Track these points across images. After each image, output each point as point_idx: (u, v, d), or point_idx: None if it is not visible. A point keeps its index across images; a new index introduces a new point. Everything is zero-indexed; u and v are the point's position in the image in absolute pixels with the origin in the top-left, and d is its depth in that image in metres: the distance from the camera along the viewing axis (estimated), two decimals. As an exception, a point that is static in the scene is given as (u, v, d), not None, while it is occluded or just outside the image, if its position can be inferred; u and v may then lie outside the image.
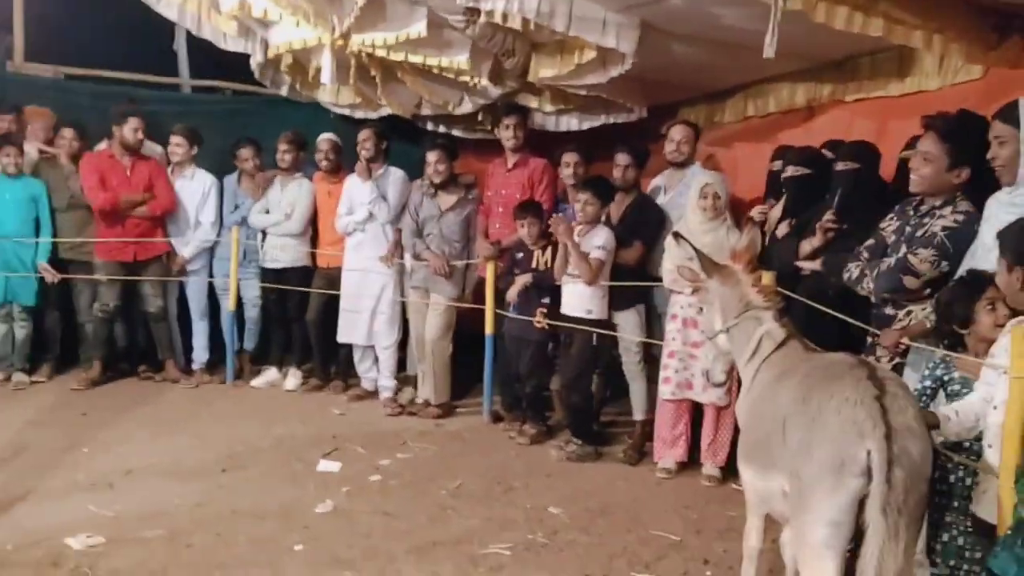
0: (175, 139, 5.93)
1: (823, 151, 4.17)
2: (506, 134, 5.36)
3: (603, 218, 4.65)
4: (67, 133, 5.84)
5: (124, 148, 5.69)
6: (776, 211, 4.24)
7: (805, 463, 2.14)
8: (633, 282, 4.57)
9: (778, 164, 4.46)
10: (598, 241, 4.50)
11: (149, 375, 5.99)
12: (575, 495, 4.04)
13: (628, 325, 4.69)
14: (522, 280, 4.90)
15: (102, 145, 5.97)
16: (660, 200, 4.83)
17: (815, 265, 3.76)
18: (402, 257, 5.59)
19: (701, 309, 3.33)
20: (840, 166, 3.78)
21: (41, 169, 5.80)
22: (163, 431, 4.76)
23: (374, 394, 5.78)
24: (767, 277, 3.18)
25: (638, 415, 4.77)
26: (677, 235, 3.14)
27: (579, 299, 4.54)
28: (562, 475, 4.36)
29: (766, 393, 2.49)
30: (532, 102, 5.74)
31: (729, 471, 4.17)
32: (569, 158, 5.11)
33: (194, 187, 5.99)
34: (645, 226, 4.70)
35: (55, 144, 5.93)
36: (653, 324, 4.77)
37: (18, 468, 4.02)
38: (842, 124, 4.58)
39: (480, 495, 3.98)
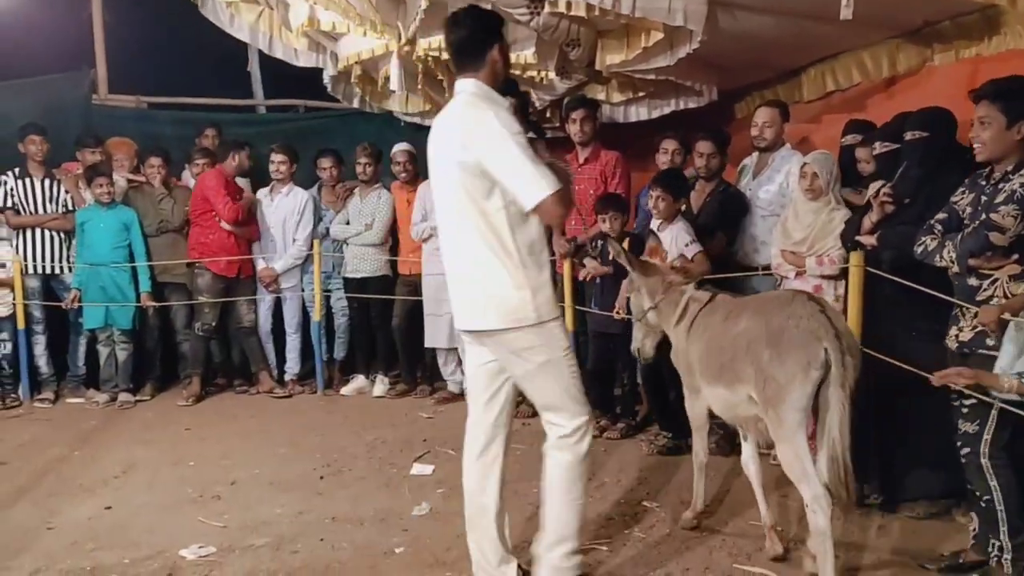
0: (278, 156, 6.07)
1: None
2: (574, 128, 5.31)
3: (682, 208, 4.57)
4: (154, 161, 6.08)
5: (238, 173, 5.96)
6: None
7: (779, 369, 2.81)
8: (717, 272, 4.47)
9: (849, 139, 4.32)
10: (685, 239, 4.36)
11: (244, 388, 6.19)
12: (668, 489, 4.00)
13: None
14: (591, 265, 4.83)
15: (186, 172, 6.20)
16: (746, 183, 4.71)
17: (872, 240, 3.63)
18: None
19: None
20: (908, 136, 3.61)
21: (130, 197, 6.06)
22: (262, 442, 4.91)
23: (460, 396, 5.83)
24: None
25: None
26: (605, 236, 3.88)
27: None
28: (654, 469, 4.32)
29: (719, 331, 3.12)
30: (599, 93, 5.70)
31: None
32: (668, 144, 4.91)
33: (290, 204, 6.14)
34: (727, 216, 4.60)
35: (142, 172, 6.18)
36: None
37: (130, 483, 4.21)
38: (931, 91, 4.38)
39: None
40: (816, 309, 2.85)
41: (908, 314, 3.49)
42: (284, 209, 6.13)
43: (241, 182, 6.22)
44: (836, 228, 3.99)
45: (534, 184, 2.52)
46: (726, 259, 4.56)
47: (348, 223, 6.10)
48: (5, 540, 3.46)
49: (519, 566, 2.90)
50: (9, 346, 5.82)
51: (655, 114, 5.80)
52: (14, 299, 5.76)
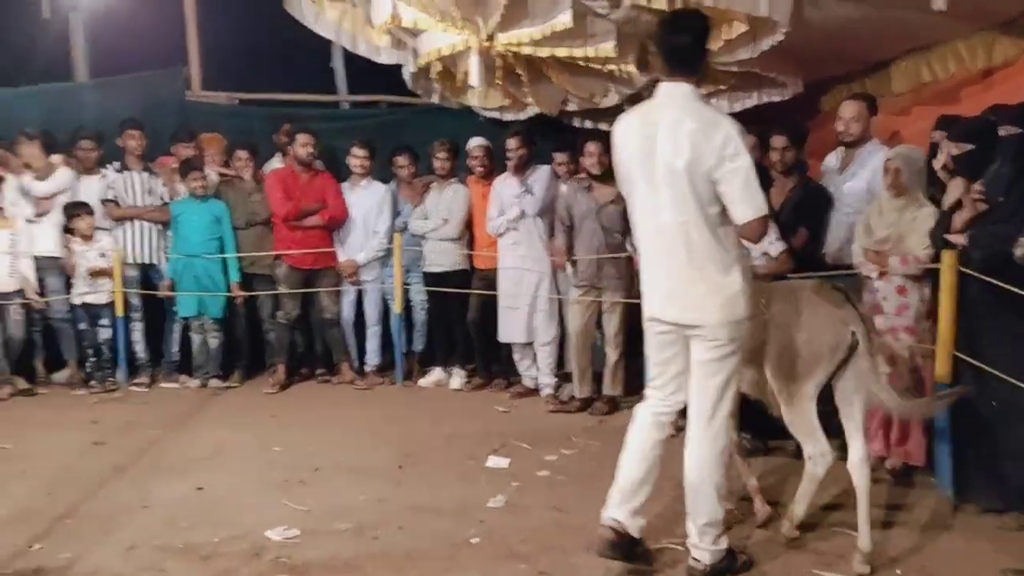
0: (358, 151, 6.20)
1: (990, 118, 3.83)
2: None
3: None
4: (242, 154, 6.30)
5: (299, 163, 6.08)
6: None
7: (807, 349, 3.11)
8: (801, 269, 4.38)
9: (937, 135, 4.16)
10: (769, 236, 4.19)
11: (326, 378, 6.37)
12: (746, 491, 3.93)
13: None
14: None
15: (273, 162, 6.40)
16: (833, 180, 4.60)
17: (961, 239, 3.50)
18: (570, 257, 5.57)
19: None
20: (1002, 132, 3.46)
21: (221, 191, 6.29)
22: (343, 430, 5.04)
23: (535, 391, 5.88)
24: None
25: None
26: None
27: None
28: (732, 470, 4.24)
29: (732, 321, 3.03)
30: (680, 87, 5.63)
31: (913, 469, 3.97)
32: (777, 142, 4.63)
33: (370, 197, 6.26)
34: (810, 211, 4.50)
35: (231, 166, 6.41)
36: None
37: (220, 466, 4.39)
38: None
39: (655, 492, 3.94)
40: (841, 297, 3.16)
41: (996, 314, 3.38)
42: (365, 203, 6.26)
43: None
44: (921, 226, 3.86)
45: (753, 203, 2.76)
46: (810, 257, 4.46)
47: (426, 218, 6.20)
48: (104, 516, 3.66)
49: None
50: (109, 331, 6.12)
51: (737, 107, 5.71)
52: (113, 287, 6.06)
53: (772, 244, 4.26)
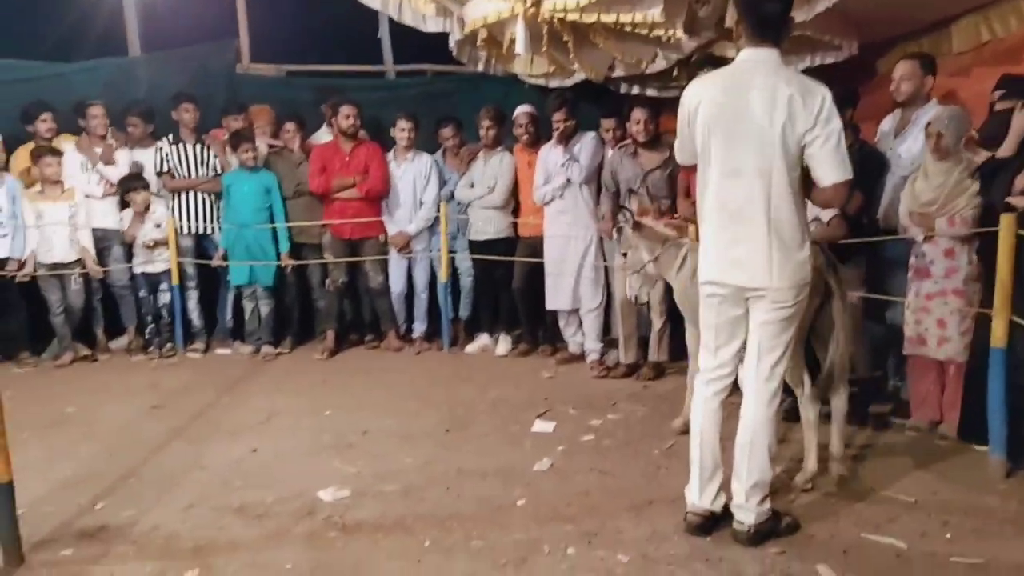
0: (403, 123, 6.22)
1: None
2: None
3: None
4: (289, 126, 6.38)
5: (343, 135, 6.14)
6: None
7: None
8: (855, 235, 4.30)
9: (997, 95, 4.03)
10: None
11: (374, 344, 6.47)
12: (793, 455, 3.91)
13: (847, 279, 4.44)
14: None
15: (321, 133, 6.46)
16: (888, 144, 4.49)
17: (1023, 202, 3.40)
18: (615, 225, 5.53)
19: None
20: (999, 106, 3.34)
21: (271, 162, 6.38)
22: (391, 395, 5.13)
23: (581, 357, 5.89)
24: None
25: (858, 372, 4.51)
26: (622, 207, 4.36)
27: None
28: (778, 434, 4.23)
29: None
30: (730, 51, 5.51)
31: (964, 432, 3.91)
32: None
33: (417, 168, 6.30)
34: (863, 175, 4.39)
35: (280, 137, 6.50)
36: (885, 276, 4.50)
37: (273, 429, 4.51)
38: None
39: (694, 455, 3.96)
40: (817, 249, 3.27)
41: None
42: (411, 174, 6.30)
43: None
44: (969, 188, 3.78)
45: (843, 166, 2.84)
46: (863, 221, 4.38)
47: (472, 186, 6.21)
48: (163, 476, 3.80)
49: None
50: (168, 296, 6.30)
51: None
52: (169, 257, 6.22)
53: (824, 210, 4.19)
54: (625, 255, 4.19)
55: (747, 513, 3.01)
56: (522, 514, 3.32)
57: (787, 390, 4.36)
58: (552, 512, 3.33)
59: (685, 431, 3.86)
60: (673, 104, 6.33)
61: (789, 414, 4.39)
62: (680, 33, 5.12)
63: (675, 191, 5.27)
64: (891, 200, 4.37)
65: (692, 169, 3.11)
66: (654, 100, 5.70)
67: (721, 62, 5.16)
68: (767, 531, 3.02)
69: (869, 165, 4.42)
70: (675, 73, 6.08)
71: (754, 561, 2.88)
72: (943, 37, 5.02)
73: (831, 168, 2.83)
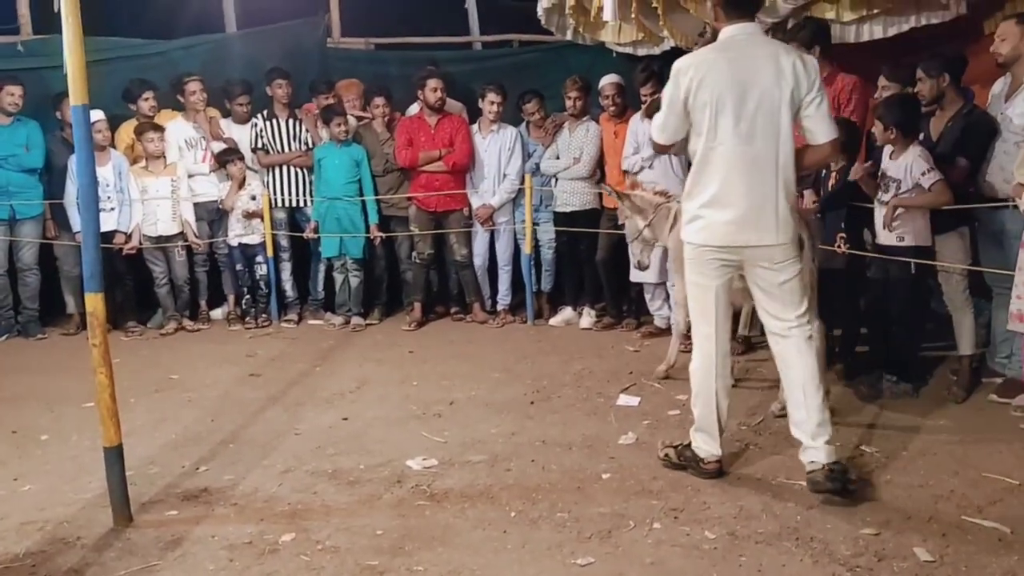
0: (492, 96, 6.18)
1: None
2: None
3: (920, 137, 4.22)
4: (379, 101, 6.44)
5: (429, 108, 6.18)
6: None
7: None
8: (960, 201, 4.09)
9: None
10: (922, 167, 4.04)
11: (460, 316, 6.55)
12: (890, 434, 3.79)
13: (949, 250, 4.24)
14: (808, 200, 4.58)
15: (413, 107, 6.52)
16: (999, 108, 4.24)
17: None
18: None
19: None
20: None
21: (360, 135, 6.48)
22: (476, 366, 5.19)
23: (666, 331, 5.81)
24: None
25: (964, 349, 4.33)
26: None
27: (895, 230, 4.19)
28: (874, 413, 4.10)
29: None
30: (828, 12, 5.27)
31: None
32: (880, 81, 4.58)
33: (502, 140, 6.29)
34: (971, 140, 4.17)
35: (369, 111, 6.58)
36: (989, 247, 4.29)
37: (363, 398, 4.64)
38: None
39: (784, 432, 3.82)
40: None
41: None
42: (496, 145, 6.30)
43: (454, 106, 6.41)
44: None
45: (834, 125, 3.19)
46: (969, 190, 4.16)
47: (558, 157, 6.17)
48: (261, 442, 3.96)
49: None
50: (265, 268, 6.51)
51: (891, 31, 5.27)
52: (264, 229, 6.43)
53: (925, 175, 4.02)
54: (622, 225, 4.50)
55: (818, 452, 3.13)
56: (607, 487, 3.33)
57: (897, 370, 4.27)
58: (638, 486, 3.32)
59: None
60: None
61: (893, 394, 4.28)
62: (775, -6, 4.93)
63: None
64: (1000, 167, 4.13)
65: (668, 148, 3.38)
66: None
67: (822, 26, 5.01)
68: (840, 469, 3.11)
69: (977, 130, 4.19)
70: (770, 37, 5.85)
71: (847, 541, 2.81)
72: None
73: (827, 126, 3.14)
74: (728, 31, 3.18)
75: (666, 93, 3.24)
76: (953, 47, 4.51)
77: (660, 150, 3.59)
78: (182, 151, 6.41)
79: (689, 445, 3.45)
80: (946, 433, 3.79)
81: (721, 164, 3.12)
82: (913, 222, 4.14)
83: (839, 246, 4.45)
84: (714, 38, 3.36)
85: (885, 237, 4.23)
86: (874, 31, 5.34)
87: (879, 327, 4.41)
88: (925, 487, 3.22)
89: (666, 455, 3.51)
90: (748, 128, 3.08)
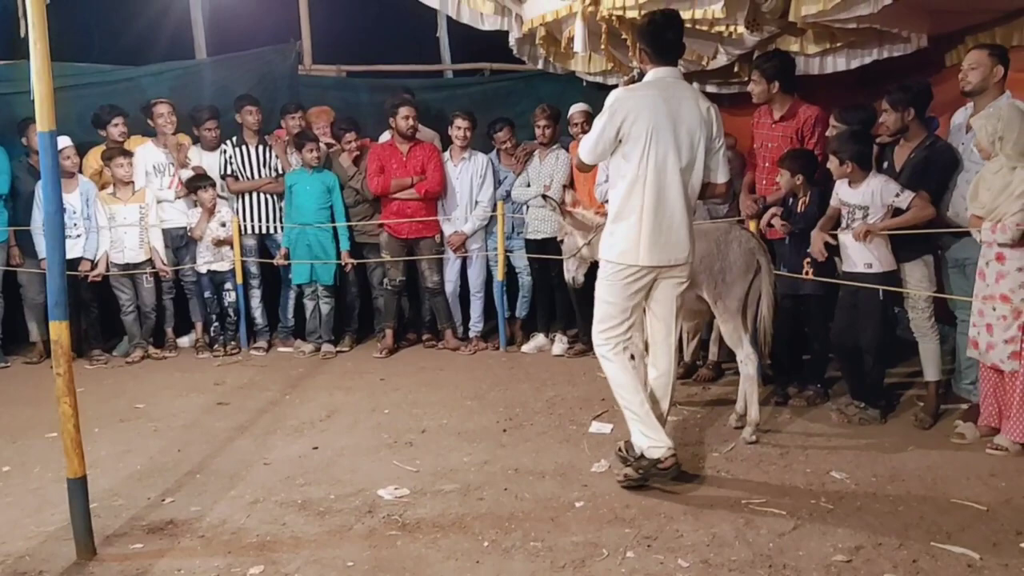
0: (461, 123, 6.24)
1: None
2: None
3: (880, 166, 4.33)
4: (349, 137, 6.42)
5: (400, 136, 6.20)
6: None
7: (728, 274, 4.12)
8: (921, 231, 4.19)
9: None
10: (892, 190, 4.20)
11: (432, 343, 6.52)
12: (859, 460, 3.83)
13: (914, 278, 4.32)
14: (778, 225, 4.68)
15: (385, 135, 6.53)
16: (960, 138, 4.35)
17: None
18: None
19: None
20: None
21: (331, 162, 6.46)
22: (448, 394, 5.16)
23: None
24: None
25: (930, 376, 4.39)
26: (545, 196, 4.85)
27: (859, 253, 4.26)
28: (843, 439, 4.14)
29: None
30: (793, 45, 5.40)
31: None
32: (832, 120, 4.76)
33: (473, 168, 6.33)
34: (933, 172, 4.27)
35: (340, 143, 6.56)
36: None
37: (333, 426, 4.58)
38: None
39: (755, 458, 3.90)
40: (750, 235, 4.26)
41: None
42: (467, 173, 6.33)
43: (427, 133, 6.42)
44: (1016, 190, 3.65)
45: (728, 169, 3.71)
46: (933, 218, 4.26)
47: (528, 185, 6.21)
48: (229, 472, 3.89)
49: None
50: (234, 295, 6.44)
51: (854, 64, 5.42)
52: (233, 255, 6.37)
53: (899, 196, 4.18)
54: (562, 242, 4.64)
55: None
56: (580, 516, 3.31)
57: (865, 397, 4.34)
58: (611, 514, 3.31)
59: (755, 442, 4.13)
60: (732, 101, 6.29)
61: (860, 420, 4.34)
62: (742, 28, 5.03)
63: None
64: (963, 196, 4.23)
65: (590, 168, 3.94)
66: (714, 96, 5.58)
67: (786, 61, 5.11)
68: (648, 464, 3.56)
69: (939, 161, 4.29)
70: (735, 69, 5.98)
71: (819, 568, 2.82)
72: (1015, 28, 4.82)
73: (725, 168, 3.65)
74: (655, 73, 3.56)
75: (600, 120, 3.55)
76: (915, 78, 4.62)
77: (582, 168, 4.02)
78: (149, 176, 6.35)
79: (641, 456, 3.54)
80: (914, 459, 3.83)
81: (649, 190, 3.47)
82: (880, 249, 4.22)
83: (806, 272, 4.52)
84: (640, 78, 3.70)
85: (852, 265, 4.31)
86: (837, 63, 5.49)
87: (847, 353, 4.46)
88: (895, 513, 3.25)
89: (625, 475, 3.60)
90: (671, 158, 3.46)
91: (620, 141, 3.49)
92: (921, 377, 4.51)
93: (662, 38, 3.56)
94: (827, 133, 4.83)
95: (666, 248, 3.50)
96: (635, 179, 3.47)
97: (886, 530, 3.09)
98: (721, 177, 3.63)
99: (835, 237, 4.37)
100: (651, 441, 3.52)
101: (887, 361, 4.60)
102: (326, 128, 6.66)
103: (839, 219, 4.39)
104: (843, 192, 4.34)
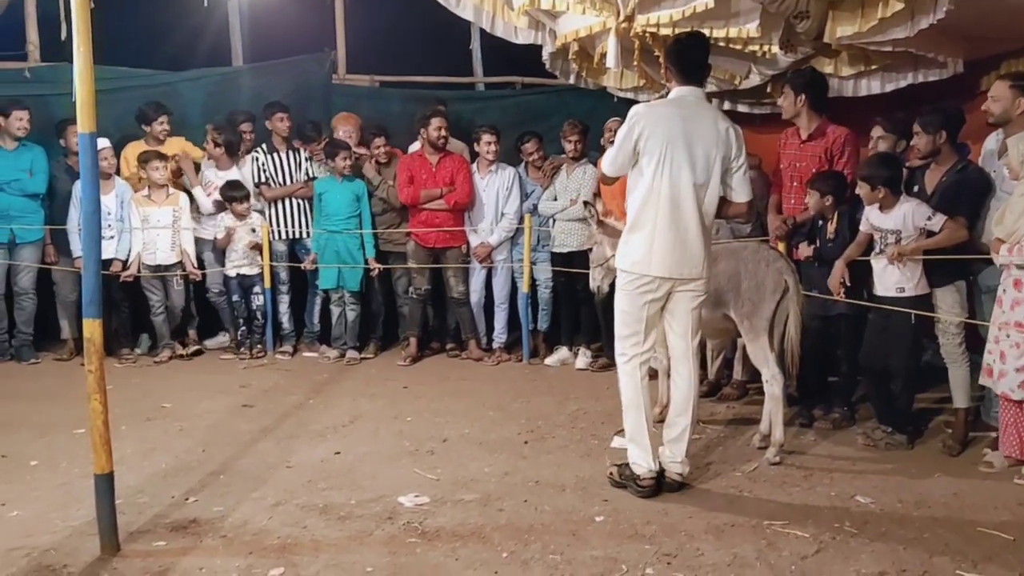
0: (487, 137, 6.28)
1: None
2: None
3: (910, 190, 4.30)
4: (378, 142, 6.48)
5: (431, 146, 6.24)
6: None
7: (755, 293, 4.10)
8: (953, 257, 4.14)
9: None
10: (924, 213, 4.15)
11: (455, 353, 6.54)
12: (885, 485, 3.78)
13: (946, 303, 4.27)
14: (804, 252, 4.69)
15: (415, 145, 6.58)
16: (992, 164, 4.31)
17: None
18: None
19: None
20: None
21: (361, 168, 6.51)
22: (471, 404, 5.17)
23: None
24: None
25: (960, 403, 4.33)
26: (586, 202, 4.68)
27: (891, 276, 4.22)
28: (869, 463, 4.10)
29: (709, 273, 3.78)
30: (827, 67, 5.38)
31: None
32: (875, 132, 4.73)
33: (500, 180, 6.35)
34: (965, 197, 4.22)
35: (369, 151, 6.61)
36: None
37: (356, 432, 4.61)
38: None
39: (778, 479, 3.87)
40: (776, 255, 4.27)
41: None
42: (494, 186, 6.36)
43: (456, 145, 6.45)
44: None
45: (750, 189, 3.75)
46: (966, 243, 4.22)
47: (555, 199, 6.23)
48: (252, 473, 3.93)
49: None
50: (261, 299, 6.50)
51: (889, 87, 5.38)
52: (262, 260, 6.43)
53: (931, 219, 4.14)
54: (590, 250, 4.69)
55: (684, 467, 3.72)
56: (600, 530, 3.30)
57: (893, 421, 4.29)
58: (631, 530, 3.30)
59: (779, 463, 4.09)
60: (765, 121, 6.26)
61: (887, 445, 4.29)
62: (776, 48, 5.02)
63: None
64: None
65: (613, 180, 3.96)
66: (746, 115, 5.61)
67: (817, 78, 5.10)
68: (679, 483, 3.72)
69: (971, 186, 4.25)
70: (768, 89, 5.96)
71: (841, 593, 2.78)
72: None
73: (747, 189, 3.70)
74: (679, 91, 3.68)
75: (620, 133, 3.66)
76: (949, 103, 4.58)
77: (604, 181, 4.10)
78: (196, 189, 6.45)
79: (628, 464, 3.71)
80: (941, 486, 3.78)
81: (664, 204, 3.54)
82: (913, 272, 4.18)
83: (838, 293, 4.48)
84: (666, 95, 3.79)
85: (884, 288, 4.27)
86: (872, 86, 5.45)
87: (876, 377, 4.41)
88: (920, 540, 3.20)
89: (610, 473, 3.79)
90: (688, 175, 3.54)
91: (638, 154, 3.59)
92: (950, 403, 4.45)
93: (688, 58, 3.67)
94: (870, 146, 4.80)
95: (679, 261, 3.57)
96: (649, 192, 3.57)
97: (911, 557, 3.05)
98: (741, 196, 3.69)
99: (865, 263, 4.34)
100: (638, 458, 3.66)
101: (916, 386, 4.54)
102: (353, 133, 6.67)
103: (869, 245, 4.36)
104: (874, 217, 4.31)
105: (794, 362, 4.17)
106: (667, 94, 3.86)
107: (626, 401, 3.74)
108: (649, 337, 3.71)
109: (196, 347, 6.52)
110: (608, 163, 3.75)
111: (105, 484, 3.05)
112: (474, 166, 6.44)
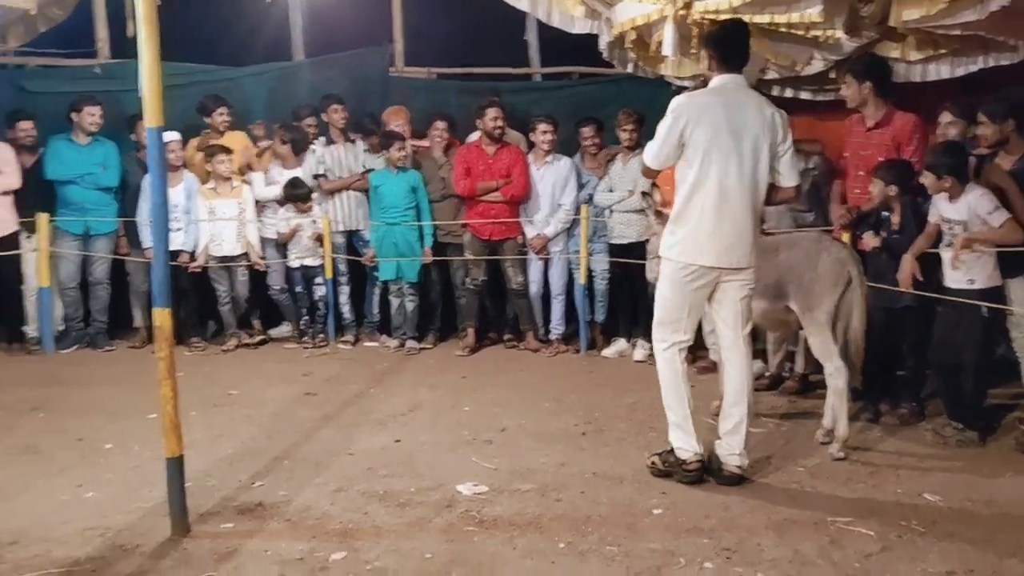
0: (544, 127, 6.28)
1: None
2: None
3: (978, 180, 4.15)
4: (440, 125, 6.54)
5: (488, 137, 6.26)
6: None
7: (817, 284, 4.03)
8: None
9: None
10: (987, 206, 4.00)
11: (513, 344, 6.56)
12: (954, 483, 3.68)
13: (1019, 295, 4.13)
14: (867, 237, 4.57)
15: (473, 136, 6.61)
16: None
17: None
18: (763, 229, 5.38)
19: None
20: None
21: (417, 161, 6.56)
22: (528, 395, 5.19)
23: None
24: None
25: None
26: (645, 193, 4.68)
27: (961, 268, 4.09)
28: (937, 460, 3.99)
29: (759, 262, 3.77)
30: (893, 51, 5.22)
31: None
32: (943, 117, 4.51)
33: (556, 171, 6.34)
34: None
35: (428, 136, 6.67)
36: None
37: (415, 421, 4.67)
38: None
39: (842, 476, 3.79)
40: (839, 245, 4.21)
41: None
42: (550, 177, 6.34)
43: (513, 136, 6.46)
44: None
45: (797, 173, 3.76)
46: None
47: (611, 190, 6.19)
48: (315, 460, 4.01)
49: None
50: (324, 289, 6.61)
51: (959, 72, 5.20)
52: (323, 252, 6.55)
53: (992, 214, 3.99)
54: (647, 241, 4.62)
55: (743, 459, 3.68)
56: (658, 523, 3.29)
57: (963, 417, 4.17)
58: (689, 523, 3.27)
59: (844, 458, 3.99)
60: (829, 108, 6.11)
61: (956, 442, 4.17)
62: (840, 33, 4.90)
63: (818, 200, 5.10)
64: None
65: (656, 173, 3.91)
66: (808, 103, 5.48)
67: (880, 62, 4.96)
68: (737, 476, 3.67)
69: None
70: (831, 75, 5.81)
71: (906, 592, 2.73)
72: None
73: (794, 173, 3.71)
74: (720, 79, 3.65)
75: (663, 125, 3.61)
76: (1017, 88, 4.41)
77: (648, 175, 4.04)
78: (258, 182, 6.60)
79: (672, 450, 3.72)
80: (1013, 485, 3.66)
81: (713, 193, 3.53)
82: (982, 264, 4.05)
83: (910, 287, 4.36)
84: (705, 84, 3.77)
85: (954, 280, 4.15)
86: (940, 71, 5.28)
87: (946, 371, 4.28)
88: (990, 541, 3.11)
89: (652, 463, 3.79)
90: (735, 164, 3.51)
91: (683, 146, 3.56)
92: None
93: (730, 44, 3.66)
94: (939, 132, 4.66)
95: (726, 250, 3.55)
96: (696, 183, 3.55)
97: (980, 558, 2.96)
98: (789, 181, 3.68)
99: (934, 253, 4.22)
100: (682, 443, 3.68)
101: (988, 381, 4.40)
102: (405, 127, 6.71)
103: (938, 237, 4.23)
104: (943, 208, 4.18)
105: (858, 355, 4.08)
106: (704, 84, 3.82)
107: (665, 387, 3.74)
108: (690, 326, 3.70)
109: (262, 336, 6.69)
110: (652, 156, 3.70)
111: (175, 467, 3.15)
112: (530, 156, 6.44)
